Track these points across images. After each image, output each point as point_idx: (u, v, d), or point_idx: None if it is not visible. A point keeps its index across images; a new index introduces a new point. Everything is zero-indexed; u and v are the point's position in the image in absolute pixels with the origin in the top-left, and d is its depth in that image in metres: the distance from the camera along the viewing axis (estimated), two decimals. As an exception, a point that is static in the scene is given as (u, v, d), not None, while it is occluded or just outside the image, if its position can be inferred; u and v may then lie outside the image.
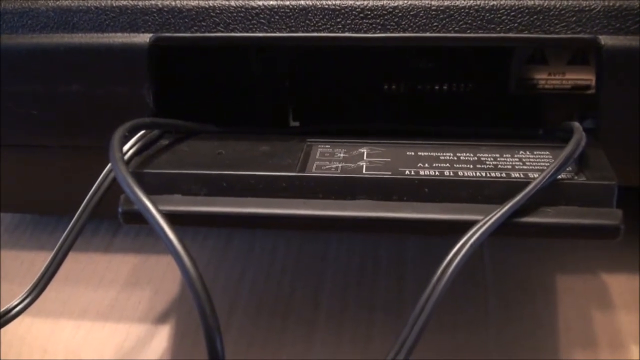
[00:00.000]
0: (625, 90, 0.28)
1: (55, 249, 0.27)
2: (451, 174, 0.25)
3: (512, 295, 0.33)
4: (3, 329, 0.33)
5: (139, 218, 0.25)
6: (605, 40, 0.27)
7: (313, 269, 0.34)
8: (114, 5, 0.30)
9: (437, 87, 0.34)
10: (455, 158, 0.27)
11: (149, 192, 0.25)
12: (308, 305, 0.33)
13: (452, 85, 0.34)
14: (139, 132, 0.28)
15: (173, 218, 0.24)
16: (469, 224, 0.23)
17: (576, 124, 0.27)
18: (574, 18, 0.27)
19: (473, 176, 0.25)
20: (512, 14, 0.27)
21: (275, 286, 0.33)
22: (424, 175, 0.25)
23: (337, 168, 0.26)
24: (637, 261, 0.34)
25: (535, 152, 0.27)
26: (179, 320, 0.33)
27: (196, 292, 0.22)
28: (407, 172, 0.26)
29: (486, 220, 0.23)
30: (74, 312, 0.34)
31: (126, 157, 0.27)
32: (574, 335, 0.31)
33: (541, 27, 0.27)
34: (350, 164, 0.26)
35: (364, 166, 0.26)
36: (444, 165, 0.26)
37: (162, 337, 0.32)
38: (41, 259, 0.36)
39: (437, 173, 0.25)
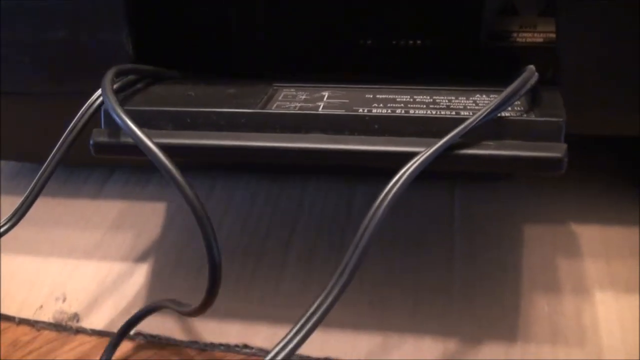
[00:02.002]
0: (580, 35, 0.29)
1: (35, 178, 0.29)
2: (402, 112, 0.27)
3: (479, 241, 0.34)
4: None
5: (108, 149, 0.28)
6: (563, -14, 0.28)
7: (289, 215, 0.36)
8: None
9: (411, 42, 0.35)
10: (411, 100, 0.28)
11: (119, 128, 0.27)
12: (280, 248, 0.34)
13: (425, 38, 0.35)
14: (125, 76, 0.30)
15: (136, 149, 0.26)
16: (411, 156, 0.24)
17: (530, 67, 0.28)
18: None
19: (422, 114, 0.26)
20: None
21: (252, 231, 0.35)
22: (376, 113, 0.26)
23: (295, 107, 0.27)
24: (608, 212, 0.35)
25: (491, 95, 0.28)
26: (157, 259, 0.35)
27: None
28: (360, 110, 0.27)
29: (424, 152, 0.24)
30: (62, 251, 0.36)
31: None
32: (537, 280, 0.32)
33: (497, -26, 0.28)
34: (309, 104, 0.28)
35: (321, 105, 0.27)
36: (398, 105, 0.27)
37: (141, 273, 0.34)
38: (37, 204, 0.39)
39: (389, 111, 0.27)
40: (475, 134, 0.25)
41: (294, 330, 0.22)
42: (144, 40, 0.32)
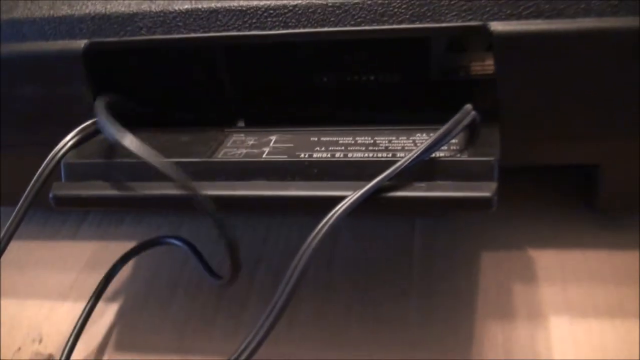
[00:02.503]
0: (519, 74, 0.29)
1: (6, 226, 0.30)
2: (341, 155, 0.28)
3: (437, 270, 0.35)
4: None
5: (69, 201, 0.29)
6: (495, 26, 0.29)
7: (253, 250, 0.37)
8: (55, 15, 0.33)
9: (364, 78, 0.36)
10: (353, 141, 0.29)
11: (81, 179, 0.29)
12: (244, 284, 0.36)
13: (379, 76, 0.36)
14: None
15: (93, 201, 0.28)
16: (340, 200, 0.25)
17: (467, 106, 0.29)
18: (465, 7, 0.29)
19: (360, 157, 0.27)
20: (404, 6, 0.29)
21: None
22: (316, 157, 0.28)
23: (241, 154, 0.29)
24: (565, 236, 0.36)
25: (430, 134, 0.29)
26: (127, 298, 0.36)
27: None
28: (302, 155, 0.28)
29: (351, 196, 0.25)
30: (39, 292, 0.38)
31: (64, 149, 0.31)
32: (492, 308, 0.33)
33: (432, 17, 0.29)
34: (255, 150, 0.29)
35: (267, 151, 0.29)
36: (339, 148, 0.28)
37: (110, 313, 0.36)
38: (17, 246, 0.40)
39: (328, 155, 0.28)
40: (406, 176, 0.26)
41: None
42: (105, 91, 0.33)
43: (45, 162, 0.31)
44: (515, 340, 0.31)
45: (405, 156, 0.26)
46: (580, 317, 0.32)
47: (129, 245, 0.39)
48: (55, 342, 0.35)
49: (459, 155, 0.27)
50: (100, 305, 0.36)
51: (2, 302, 0.38)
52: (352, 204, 0.25)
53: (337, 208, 0.25)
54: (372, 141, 0.29)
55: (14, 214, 0.31)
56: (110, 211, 0.41)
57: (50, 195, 0.29)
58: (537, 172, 0.38)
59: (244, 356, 0.23)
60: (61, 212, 0.42)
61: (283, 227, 0.38)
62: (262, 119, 0.33)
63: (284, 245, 0.38)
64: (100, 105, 0.30)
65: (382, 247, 0.37)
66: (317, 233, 0.24)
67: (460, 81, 0.35)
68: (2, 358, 0.35)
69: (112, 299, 0.36)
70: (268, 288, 0.36)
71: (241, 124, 0.35)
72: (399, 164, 0.26)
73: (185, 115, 0.35)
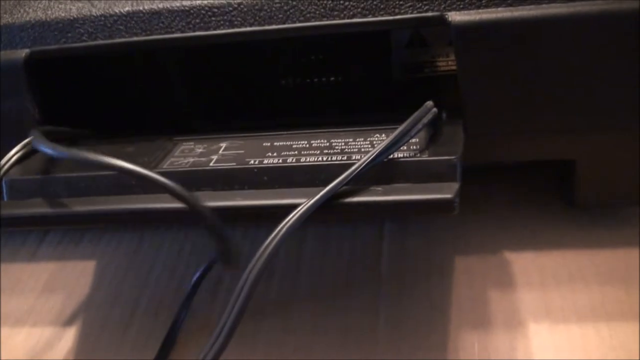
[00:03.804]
0: (481, 66, 0.28)
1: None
2: (294, 160, 0.26)
3: (407, 278, 0.33)
4: None
5: (12, 221, 0.27)
6: (453, 16, 0.27)
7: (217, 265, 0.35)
8: (-4, 24, 0.31)
9: (325, 79, 0.34)
10: (308, 145, 0.27)
11: (25, 197, 0.27)
12: (207, 300, 0.34)
13: (340, 76, 0.34)
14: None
15: (36, 220, 0.26)
16: (293, 208, 0.23)
17: (427, 103, 0.27)
18: (421, -3, 0.28)
19: (313, 161, 0.26)
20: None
21: (178, 282, 0.35)
22: (266, 164, 0.26)
23: (188, 163, 0.27)
24: (542, 236, 0.34)
25: (389, 134, 0.28)
26: (85, 321, 0.34)
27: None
28: (251, 162, 0.26)
29: (304, 204, 0.23)
30: (-5, 319, 0.36)
31: (7, 166, 0.29)
32: (467, 316, 0.31)
33: (386, 10, 0.27)
34: (202, 159, 0.27)
35: (214, 159, 0.27)
36: (292, 153, 0.27)
37: (68, 338, 0.34)
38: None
39: (280, 161, 0.26)
40: (363, 180, 0.24)
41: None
42: (48, 102, 0.32)
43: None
44: (493, 350, 0.30)
45: (360, 159, 0.25)
46: (561, 322, 0.30)
47: (86, 264, 0.37)
48: (11, 372, 0.33)
49: (419, 155, 0.25)
50: (57, 329, 0.34)
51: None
52: (305, 212, 0.23)
53: (289, 217, 0.23)
54: (327, 144, 0.27)
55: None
56: (68, 229, 0.40)
57: (-10, 215, 0.27)
58: (509, 171, 0.36)
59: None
60: (20, 233, 0.40)
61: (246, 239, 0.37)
62: (217, 126, 0.31)
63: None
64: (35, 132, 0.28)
65: (348, 255, 0.35)
66: (269, 244, 0.22)
67: (424, 79, 0.34)
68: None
69: (70, 322, 0.35)
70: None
71: (194, 132, 0.33)
72: (353, 167, 0.24)
73: (134, 124, 0.34)
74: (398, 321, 0.31)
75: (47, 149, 0.27)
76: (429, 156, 0.25)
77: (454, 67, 0.33)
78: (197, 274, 0.33)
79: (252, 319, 0.29)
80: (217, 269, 0.34)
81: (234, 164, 0.26)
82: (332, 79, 0.34)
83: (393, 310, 0.32)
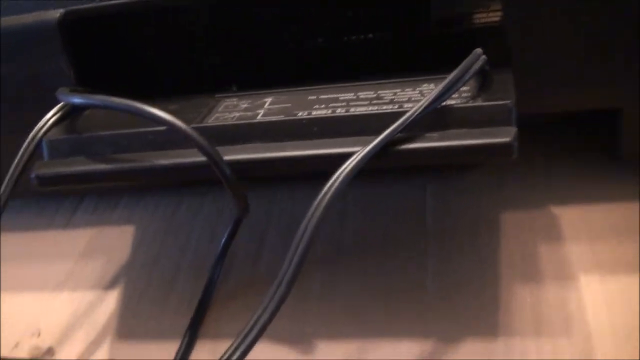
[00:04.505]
0: (530, 16, 0.27)
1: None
2: (343, 111, 0.25)
3: (454, 235, 0.32)
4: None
5: (52, 180, 0.27)
6: (502, -40, 0.26)
7: (258, 225, 0.35)
8: (27, -15, 0.31)
9: (362, 37, 0.33)
10: (355, 97, 0.27)
11: (64, 156, 0.27)
12: (249, 261, 0.33)
13: (376, 32, 0.33)
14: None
15: (78, 178, 0.26)
16: (348, 157, 0.23)
17: (476, 50, 0.26)
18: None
19: (364, 111, 0.25)
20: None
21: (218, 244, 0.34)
22: (315, 115, 0.25)
23: (234, 117, 0.26)
24: (588, 190, 0.33)
25: (439, 83, 0.27)
26: (127, 284, 0.34)
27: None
28: (299, 114, 0.26)
29: (360, 152, 0.23)
30: (35, 285, 0.36)
31: (46, 127, 0.29)
32: (517, 270, 0.30)
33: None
34: (248, 113, 0.27)
35: (261, 113, 0.26)
36: (340, 104, 0.26)
37: (110, 301, 0.34)
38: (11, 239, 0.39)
39: (329, 112, 0.26)
40: (418, 127, 0.24)
41: (233, 347, 0.21)
42: (84, 64, 0.31)
43: (27, 141, 0.29)
44: (545, 303, 0.29)
45: (412, 107, 0.24)
46: (611, 274, 0.30)
47: (124, 229, 0.37)
48: (54, 334, 0.33)
49: (471, 101, 0.25)
50: (99, 292, 0.34)
51: (-1, 297, 0.36)
52: (361, 159, 0.22)
53: (345, 165, 0.22)
54: (375, 95, 0.27)
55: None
56: (105, 193, 0.39)
57: (33, 175, 0.27)
58: (551, 125, 0.36)
59: (254, 332, 0.21)
60: (54, 200, 0.40)
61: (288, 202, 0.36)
62: (255, 84, 0.30)
63: (290, 219, 0.35)
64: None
65: (392, 214, 0.34)
66: (326, 192, 0.22)
67: (462, 33, 0.33)
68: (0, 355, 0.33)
69: (111, 285, 0.34)
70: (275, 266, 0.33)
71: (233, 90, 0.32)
72: (408, 114, 0.23)
73: (171, 84, 0.33)
74: (447, 277, 0.31)
75: (78, 99, 0.27)
76: (483, 102, 0.24)
77: (494, 19, 0.32)
78: (225, 235, 0.33)
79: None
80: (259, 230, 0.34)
81: (282, 116, 0.26)
82: (370, 36, 0.33)
83: (441, 266, 0.31)
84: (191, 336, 0.31)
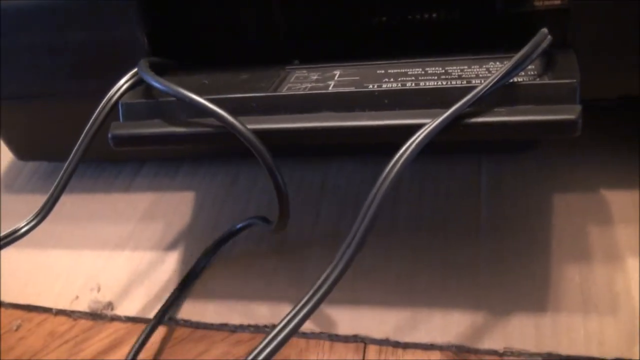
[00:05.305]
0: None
1: (59, 175, 0.30)
2: (413, 85, 0.26)
3: (507, 213, 0.33)
4: (34, 257, 0.37)
5: (127, 141, 0.28)
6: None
7: (312, 198, 0.36)
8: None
9: (426, 15, 0.34)
10: (423, 72, 0.28)
11: (138, 119, 0.28)
12: (306, 231, 0.35)
13: (440, 11, 0.34)
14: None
15: (153, 139, 0.27)
16: (419, 128, 0.24)
17: (542, 30, 0.27)
18: None
19: (433, 85, 0.26)
20: None
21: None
22: (386, 87, 0.26)
23: (306, 87, 0.28)
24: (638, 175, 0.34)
25: (504, 62, 0.28)
26: (187, 246, 0.36)
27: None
28: (370, 86, 0.27)
29: (431, 123, 0.24)
30: (95, 244, 0.37)
31: (121, 90, 0.30)
32: (567, 249, 0.31)
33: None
34: (319, 84, 0.28)
35: (332, 84, 0.27)
36: (409, 78, 0.27)
37: (171, 261, 0.35)
38: (71, 200, 0.40)
39: (399, 85, 0.26)
40: (486, 102, 0.25)
41: (301, 303, 0.22)
42: (157, 33, 0.32)
43: (102, 103, 0.30)
44: (593, 282, 0.30)
45: (481, 83, 0.25)
46: (659, 258, 0.31)
47: (184, 195, 0.38)
48: (113, 290, 0.35)
49: (537, 79, 0.25)
50: (160, 253, 0.36)
51: (57, 253, 0.37)
52: (432, 130, 0.23)
53: (417, 134, 0.23)
54: (443, 71, 0.27)
55: (67, 163, 0.30)
56: (164, 160, 0.41)
57: (109, 135, 0.28)
58: (602, 111, 0.36)
59: (323, 288, 0.22)
60: (115, 165, 0.42)
61: (340, 173, 0.37)
62: (319, 59, 0.31)
63: (343, 191, 0.37)
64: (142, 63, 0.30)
65: (447, 195, 0.35)
66: (397, 160, 0.23)
67: (524, 14, 0.33)
68: (59, 307, 0.35)
69: (172, 247, 0.36)
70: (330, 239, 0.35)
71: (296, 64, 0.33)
72: (478, 89, 0.24)
73: (239, 55, 0.34)
74: (499, 252, 0.32)
75: (153, 81, 0.28)
76: (549, 79, 0.25)
77: (556, 1, 0.33)
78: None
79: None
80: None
81: (353, 88, 0.27)
82: (434, 15, 0.34)
83: (494, 243, 0.32)
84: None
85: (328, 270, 0.23)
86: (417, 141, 0.23)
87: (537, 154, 0.36)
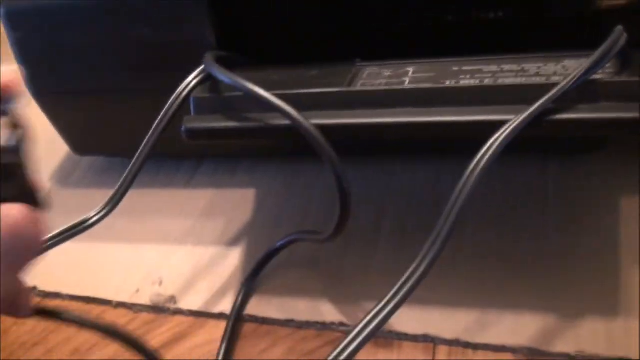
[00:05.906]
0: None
1: (129, 167, 0.30)
2: (491, 81, 0.26)
3: (575, 214, 0.33)
4: (94, 250, 0.37)
5: (200, 134, 0.29)
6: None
7: (378, 195, 0.36)
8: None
9: (492, 15, 0.34)
10: (499, 69, 0.27)
11: (208, 113, 0.29)
12: (371, 228, 0.35)
13: (506, 11, 0.34)
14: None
15: (225, 132, 0.27)
16: (502, 124, 0.24)
17: (618, 28, 0.27)
18: None
19: (512, 82, 0.26)
20: None
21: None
22: (463, 84, 0.26)
23: (381, 84, 0.28)
24: None
25: (580, 60, 0.27)
26: (250, 242, 0.36)
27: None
28: (447, 82, 0.27)
29: (516, 119, 0.24)
30: (156, 238, 0.38)
31: (191, 85, 0.30)
32: (637, 251, 0.31)
33: None
34: (394, 80, 0.28)
35: (407, 81, 0.27)
36: (486, 75, 0.27)
37: (234, 256, 0.35)
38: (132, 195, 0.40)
39: (477, 82, 0.26)
40: (568, 99, 0.24)
41: (388, 297, 0.22)
42: (224, 31, 0.33)
43: (172, 98, 0.30)
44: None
45: (560, 80, 0.25)
46: None
47: (244, 192, 0.38)
48: (176, 284, 0.35)
49: (616, 77, 0.25)
50: (221, 248, 0.36)
51: (118, 247, 0.38)
52: (517, 126, 0.23)
53: (501, 130, 0.23)
54: (519, 68, 0.27)
55: (136, 156, 0.30)
56: (223, 158, 0.41)
57: (183, 128, 0.29)
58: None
59: (410, 282, 0.22)
60: (174, 162, 0.42)
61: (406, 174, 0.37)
62: (383, 56, 0.31)
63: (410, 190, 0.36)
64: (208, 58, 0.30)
65: (515, 195, 0.35)
66: (482, 157, 0.23)
67: (592, 13, 0.33)
68: (119, 300, 0.35)
69: (233, 242, 0.36)
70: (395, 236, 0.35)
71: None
72: (562, 84, 0.24)
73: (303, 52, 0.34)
74: (568, 256, 0.31)
75: (221, 75, 0.28)
76: (628, 77, 0.25)
77: (622, 2, 0.32)
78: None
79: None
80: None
81: (430, 84, 0.27)
82: (500, 14, 0.34)
83: (562, 246, 0.32)
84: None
85: (413, 266, 0.23)
86: (502, 136, 0.23)
87: (604, 154, 0.35)
